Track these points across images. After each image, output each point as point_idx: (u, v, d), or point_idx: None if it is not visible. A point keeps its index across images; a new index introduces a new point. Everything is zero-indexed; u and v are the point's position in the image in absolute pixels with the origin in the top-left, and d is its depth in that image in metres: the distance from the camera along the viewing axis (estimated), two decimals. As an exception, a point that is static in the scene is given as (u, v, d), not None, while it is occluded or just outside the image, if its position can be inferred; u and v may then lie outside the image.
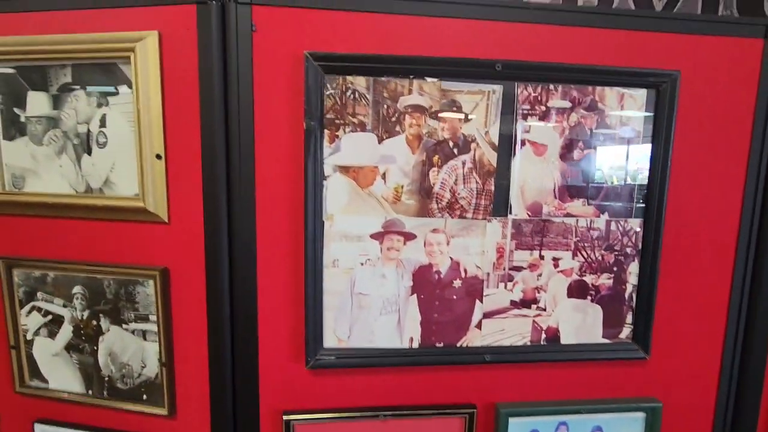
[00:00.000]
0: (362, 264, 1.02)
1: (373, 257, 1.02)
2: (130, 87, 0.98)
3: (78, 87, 1.01)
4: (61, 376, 1.14)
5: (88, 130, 1.02)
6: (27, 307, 1.13)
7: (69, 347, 1.12)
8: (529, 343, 1.08)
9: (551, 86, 1.00)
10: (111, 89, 0.99)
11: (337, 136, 0.98)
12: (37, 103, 1.04)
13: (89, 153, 1.03)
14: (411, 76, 0.95)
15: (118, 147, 1.01)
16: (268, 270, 1.02)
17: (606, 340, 1.10)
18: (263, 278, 1.02)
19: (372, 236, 1.02)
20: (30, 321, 1.13)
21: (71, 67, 1.01)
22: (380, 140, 0.99)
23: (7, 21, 1.02)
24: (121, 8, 0.97)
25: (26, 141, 1.06)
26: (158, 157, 0.99)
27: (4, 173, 1.08)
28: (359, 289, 1.03)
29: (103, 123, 1.01)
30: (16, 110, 1.05)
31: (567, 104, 1.01)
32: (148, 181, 0.99)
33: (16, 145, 1.07)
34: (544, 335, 1.09)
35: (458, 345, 1.07)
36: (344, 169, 0.99)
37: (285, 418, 1.05)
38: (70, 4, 0.99)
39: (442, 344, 1.07)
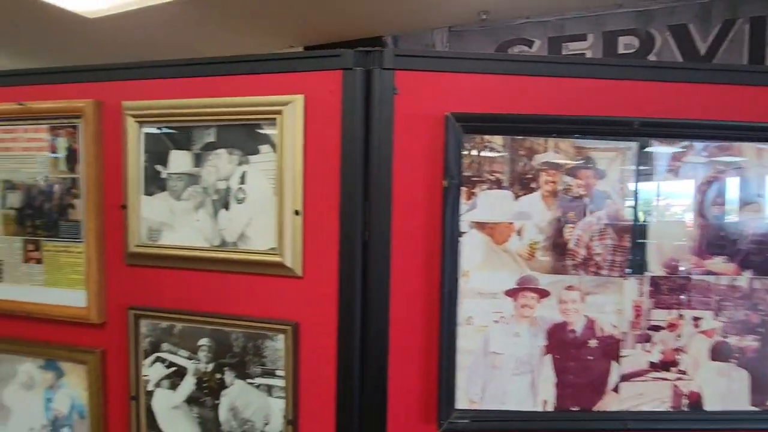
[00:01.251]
0: (496, 322, 1.00)
1: (507, 315, 1.00)
2: (272, 146, 1.03)
3: (221, 146, 1.07)
4: (180, 429, 1.13)
5: (228, 187, 1.07)
6: (151, 358, 1.14)
7: (190, 400, 1.12)
8: (670, 409, 1.02)
9: (688, 142, 1.00)
10: (253, 148, 1.05)
11: (474, 194, 0.99)
12: (180, 160, 1.10)
13: (227, 208, 1.07)
14: (551, 135, 0.97)
15: (255, 203, 1.05)
16: (400, 326, 1.01)
17: (754, 408, 1.02)
18: (396, 335, 1.00)
19: (506, 293, 1.00)
20: (152, 372, 1.14)
21: (216, 128, 1.07)
22: (516, 197, 0.99)
23: (157, 86, 1.11)
24: (268, 74, 1.04)
25: (165, 196, 1.12)
26: (297, 213, 1.02)
27: (141, 226, 1.13)
28: (493, 347, 1.00)
29: (242, 180, 1.05)
30: (158, 167, 1.12)
31: (704, 160, 1.00)
32: (286, 236, 1.02)
33: (156, 200, 1.12)
34: (685, 401, 1.02)
35: (594, 409, 1.02)
36: (480, 226, 0.99)
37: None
38: (220, 71, 1.06)
39: (577, 408, 1.01)
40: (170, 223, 1.11)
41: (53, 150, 1.19)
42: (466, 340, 1.00)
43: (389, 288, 0.99)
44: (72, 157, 1.17)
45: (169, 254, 1.10)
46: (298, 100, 1.00)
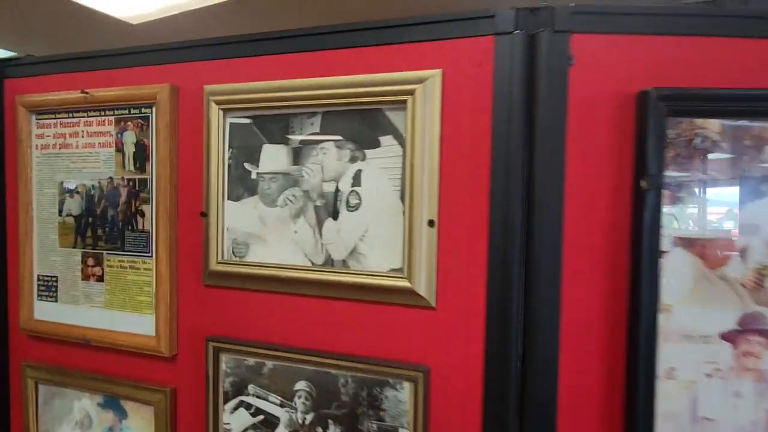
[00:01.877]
0: (708, 375, 0.74)
1: (724, 366, 0.73)
2: (397, 138, 0.80)
3: (327, 138, 0.85)
4: (268, 494, 0.91)
5: (337, 190, 0.85)
6: (233, 403, 0.93)
7: (282, 458, 0.91)
8: None
9: None
10: (371, 140, 0.83)
11: (679, 198, 0.73)
12: (274, 157, 0.89)
13: (335, 217, 0.85)
14: (797, 117, 0.71)
15: (373, 210, 0.82)
16: (572, 379, 0.75)
17: None
18: (566, 391, 0.75)
19: (723, 336, 0.73)
20: (235, 420, 0.93)
21: (321, 115, 0.86)
22: (739, 203, 0.73)
23: (245, 66, 0.90)
24: (393, 45, 0.81)
25: (255, 201, 0.91)
26: (431, 223, 0.78)
27: (224, 239, 0.92)
28: (703, 411, 0.74)
29: (356, 181, 0.83)
30: (247, 166, 0.91)
31: None
32: (416, 254, 0.78)
33: (243, 206, 0.92)
34: None
35: None
36: (688, 243, 0.73)
37: None
38: (326, 44, 0.85)
39: (824, 499, 0.74)
40: (261, 235, 0.90)
41: (120, 146, 1.00)
42: (666, 401, 0.73)
43: (558, 324, 0.74)
44: (141, 154, 0.98)
45: (259, 274, 0.89)
46: (434, 77, 0.77)
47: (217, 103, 0.89)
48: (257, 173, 0.89)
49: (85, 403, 1.07)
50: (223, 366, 0.93)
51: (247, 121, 0.89)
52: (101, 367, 1.04)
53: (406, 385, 0.80)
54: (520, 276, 0.74)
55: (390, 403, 0.82)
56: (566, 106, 0.73)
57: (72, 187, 1.04)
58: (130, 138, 0.99)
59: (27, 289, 1.09)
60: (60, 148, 1.05)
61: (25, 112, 1.07)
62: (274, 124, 0.87)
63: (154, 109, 0.95)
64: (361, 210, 0.82)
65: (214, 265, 0.91)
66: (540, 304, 0.74)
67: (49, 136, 1.06)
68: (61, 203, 1.05)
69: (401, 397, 0.81)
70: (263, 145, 0.88)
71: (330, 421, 0.85)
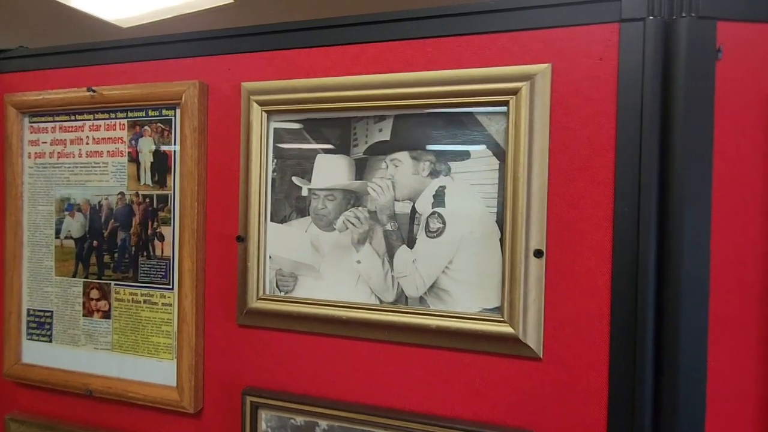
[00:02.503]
0: None
1: None
2: (492, 147, 0.66)
3: (401, 148, 0.70)
4: None
5: (413, 211, 0.69)
6: (275, 471, 0.76)
7: None
8: None
9: None
10: (458, 151, 0.68)
11: None
12: (331, 170, 0.73)
13: (410, 244, 0.69)
14: None
15: (461, 237, 0.67)
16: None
17: None
18: (714, 464, 0.61)
19: None
20: (277, 492, 0.76)
21: (392, 119, 0.71)
22: None
23: (294, 60, 0.75)
24: (485, 34, 0.67)
25: (306, 224, 0.75)
26: (538, 254, 0.64)
27: (266, 269, 0.76)
28: None
29: (439, 200, 0.68)
30: (295, 180, 0.75)
31: None
32: (519, 292, 0.63)
33: (290, 229, 0.75)
34: None
35: None
36: None
37: None
38: (397, 34, 0.70)
39: None
40: (313, 265, 0.74)
41: (134, 155, 0.83)
42: (841, 478, 0.60)
43: (705, 383, 0.60)
44: (161, 165, 0.81)
45: (311, 313, 0.72)
46: (543, 73, 0.62)
47: (260, 104, 0.73)
48: (309, 189, 0.73)
49: (84, 467, 0.88)
50: (263, 425, 0.76)
51: (297, 126, 0.74)
52: (106, 423, 0.86)
53: (505, 455, 0.65)
54: (654, 323, 0.60)
55: (483, 477, 0.66)
56: (712, 111, 0.59)
57: (73, 203, 0.87)
58: (147, 145, 0.82)
59: (13, 326, 0.90)
60: (59, 157, 0.88)
61: (16, 113, 0.89)
62: (330, 130, 0.72)
63: (178, 111, 0.79)
64: (445, 236, 0.67)
65: (253, 302, 0.74)
66: (678, 354, 0.60)
67: (45, 142, 0.89)
68: (59, 223, 0.88)
69: (498, 470, 0.65)
70: (317, 155, 0.73)
71: (402, 499, 0.69)
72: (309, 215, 0.73)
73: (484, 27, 0.66)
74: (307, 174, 0.73)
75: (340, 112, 0.71)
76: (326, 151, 0.72)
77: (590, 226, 0.62)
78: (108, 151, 0.84)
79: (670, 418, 0.59)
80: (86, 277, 0.86)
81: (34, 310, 0.90)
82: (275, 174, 0.74)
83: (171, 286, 0.80)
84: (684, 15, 0.59)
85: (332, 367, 0.72)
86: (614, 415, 0.61)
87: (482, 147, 0.65)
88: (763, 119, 0.59)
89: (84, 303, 0.86)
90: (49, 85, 0.88)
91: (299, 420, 0.74)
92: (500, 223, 0.64)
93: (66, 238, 0.87)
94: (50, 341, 0.89)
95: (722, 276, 0.59)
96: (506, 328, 0.63)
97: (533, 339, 0.63)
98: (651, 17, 0.59)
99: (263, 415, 0.75)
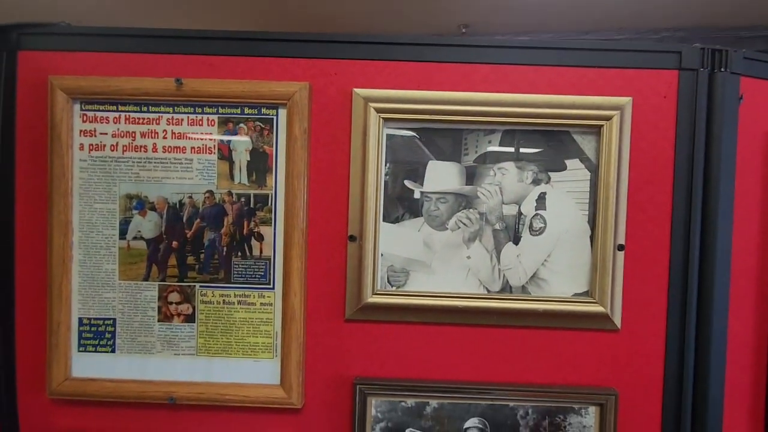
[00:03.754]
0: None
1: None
2: (584, 161, 0.79)
3: (507, 158, 0.80)
4: None
5: (519, 213, 0.80)
6: (385, 452, 0.81)
7: (446, 505, 0.82)
8: None
9: None
10: (557, 163, 0.80)
11: (809, 224, 0.86)
12: (443, 175, 0.80)
13: (516, 241, 0.80)
14: None
15: (559, 235, 0.79)
16: (735, 396, 0.83)
17: None
18: (731, 409, 0.82)
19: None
20: (386, 471, 0.81)
21: (501, 133, 0.80)
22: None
23: (406, 71, 0.79)
24: (578, 68, 0.79)
25: (418, 224, 0.80)
26: (620, 248, 0.79)
27: (378, 267, 0.80)
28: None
29: (541, 204, 0.79)
30: (408, 184, 0.80)
31: None
32: (607, 278, 0.78)
33: (402, 229, 0.80)
34: None
35: None
36: (814, 262, 0.87)
37: None
38: (503, 59, 0.79)
39: None
40: (425, 261, 0.80)
41: (225, 153, 0.80)
42: (800, 396, 0.86)
43: (725, 346, 0.82)
44: (260, 165, 0.79)
45: (423, 305, 0.79)
46: (628, 104, 0.78)
47: (378, 111, 0.77)
48: (422, 192, 0.80)
49: (159, 480, 0.83)
50: (372, 411, 0.81)
51: (410, 133, 0.79)
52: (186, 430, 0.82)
53: (592, 410, 0.80)
54: (696, 301, 0.80)
55: (574, 430, 0.80)
56: (736, 141, 0.81)
57: (144, 201, 0.80)
58: (242, 144, 0.79)
59: (62, 339, 0.80)
60: (124, 151, 0.80)
61: (66, 99, 0.78)
62: (443, 139, 0.79)
63: (281, 111, 0.79)
64: (546, 234, 0.79)
65: (368, 297, 0.78)
66: (712, 327, 0.81)
67: (104, 133, 0.80)
68: (125, 222, 0.80)
69: (586, 422, 0.80)
70: (429, 161, 0.79)
71: (506, 457, 0.81)
72: (422, 216, 0.80)
73: (576, 61, 0.79)
74: (419, 178, 0.80)
75: (453, 124, 0.79)
76: (439, 158, 0.79)
77: (655, 226, 0.80)
78: (193, 148, 0.79)
79: (703, 361, 0.80)
80: (162, 280, 0.80)
81: (89, 319, 0.81)
82: (387, 177, 0.79)
83: (271, 286, 0.80)
84: (722, 69, 0.80)
85: (441, 352, 0.81)
86: (669, 370, 0.81)
87: (576, 160, 0.79)
88: (763, 148, 0.83)
89: (160, 308, 0.81)
90: (103, 69, 0.80)
91: (410, 402, 0.80)
92: (591, 222, 0.79)
93: (135, 238, 0.80)
94: (112, 351, 0.81)
95: (739, 260, 0.82)
96: (597, 308, 0.78)
97: (616, 315, 0.79)
98: (701, 69, 0.79)
99: (373, 401, 0.81)
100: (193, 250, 0.81)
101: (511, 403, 0.80)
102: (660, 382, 0.81)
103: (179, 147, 0.80)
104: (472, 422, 0.81)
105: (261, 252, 0.80)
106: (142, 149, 0.80)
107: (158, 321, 0.81)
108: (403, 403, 0.81)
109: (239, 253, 0.80)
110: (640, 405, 0.81)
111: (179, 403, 0.80)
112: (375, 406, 0.81)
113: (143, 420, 0.82)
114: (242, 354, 0.81)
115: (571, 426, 0.80)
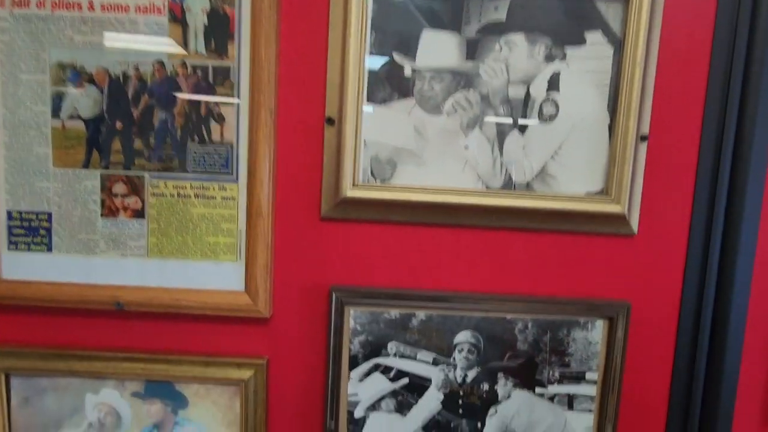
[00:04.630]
0: None
1: None
2: (607, 35, 0.66)
3: (516, 29, 0.67)
4: (411, 471, 0.74)
5: (528, 95, 0.68)
6: (364, 367, 0.72)
7: (431, 426, 0.73)
8: None
9: None
10: (574, 35, 0.67)
11: None
12: (440, 48, 0.67)
13: (521, 130, 0.68)
14: None
15: (573, 122, 0.68)
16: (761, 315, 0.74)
17: None
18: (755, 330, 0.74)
19: None
20: (365, 389, 0.72)
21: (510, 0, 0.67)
22: None
23: None
24: None
25: (408, 106, 0.68)
26: (643, 139, 0.68)
27: (360, 156, 0.69)
28: None
29: (553, 85, 0.67)
30: (396, 57, 0.67)
31: None
32: (624, 174, 0.67)
33: (390, 112, 0.68)
34: None
35: None
36: None
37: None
38: None
39: None
40: (416, 150, 0.69)
41: (178, 14, 0.66)
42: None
43: (752, 257, 0.72)
44: (220, 30, 0.66)
45: (411, 201, 0.68)
46: (663, -36, 0.65)
47: (362, -37, 0.64)
48: (413, 69, 0.67)
49: (108, 396, 0.73)
50: (351, 323, 0.71)
51: (401, -5, 0.66)
52: (144, 343, 0.72)
53: (599, 323, 0.71)
54: (726, 200, 0.70)
55: (579, 346, 0.71)
56: (785, 19, 0.69)
57: (80, 71, 0.67)
58: (198, 3, 0.66)
59: (-13, 234, 0.69)
60: (54, 8, 0.66)
61: (-22, -62, 0.64)
62: (440, 3, 0.66)
63: (245, -38, 0.65)
64: (557, 122, 0.68)
65: (348, 190, 0.67)
66: (740, 232, 0.71)
67: (28, -14, 0.66)
68: (59, 98, 0.67)
69: (592, 337, 0.71)
70: (423, 29, 0.66)
71: (500, 375, 0.72)
72: (413, 97, 0.67)
73: None
74: (410, 51, 0.67)
75: (453, -16, 0.66)
76: (433, 26, 0.66)
77: (684, 116, 0.69)
78: (138, 6, 0.65)
79: (728, 272, 0.71)
80: (105, 168, 0.68)
81: (19, 213, 0.69)
82: (375, 49, 0.66)
83: (234, 177, 0.68)
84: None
85: (431, 257, 0.70)
86: (688, 281, 0.71)
87: (598, 33, 0.66)
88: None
89: (103, 201, 0.69)
90: None
91: (394, 313, 0.71)
92: (610, 109, 0.67)
93: (71, 117, 0.67)
94: (49, 250, 0.70)
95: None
96: (613, 207, 0.68)
97: (634, 216, 0.69)
98: (752, -76, 0.66)
99: (351, 312, 0.71)
100: (141, 133, 0.68)
101: (509, 316, 0.71)
102: (677, 295, 0.71)
103: (121, 5, 0.66)
104: (464, 336, 0.72)
105: (222, 136, 0.68)
106: (76, 7, 0.66)
107: (102, 216, 0.70)
108: (385, 315, 0.71)
109: (196, 137, 0.68)
110: (654, 320, 0.72)
111: (128, 310, 0.70)
112: (354, 317, 0.71)
113: (88, 329, 0.71)
114: (201, 256, 0.70)
115: (575, 342, 0.72)
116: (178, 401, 0.73)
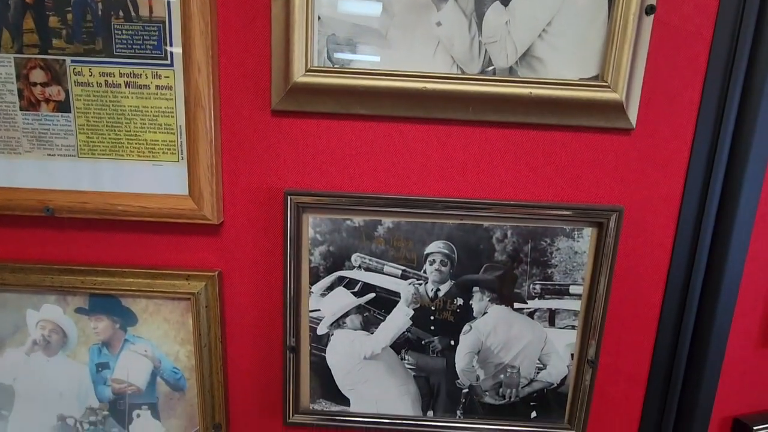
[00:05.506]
0: None
1: None
2: None
3: None
4: (377, 391, 0.70)
5: (512, -43, 0.57)
6: (326, 281, 0.66)
7: (400, 345, 0.68)
8: None
9: None
10: None
11: None
12: None
13: (504, 2, 0.58)
14: None
15: (565, -8, 0.58)
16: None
17: None
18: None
19: None
20: (328, 304, 0.66)
21: None
22: None
23: None
24: None
25: (370, -27, 0.58)
26: (649, 11, 0.57)
27: (314, 34, 0.59)
28: None
29: (544, -57, 0.56)
30: None
31: None
32: (624, 55, 0.56)
33: None
34: None
35: None
36: None
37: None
38: None
39: None
40: (379, 28, 0.59)
41: None
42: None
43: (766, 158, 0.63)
44: None
45: (374, 88, 0.58)
46: None
47: None
48: (375, -77, 0.56)
49: (50, 312, 0.68)
50: (310, 232, 0.64)
51: None
52: (77, 255, 0.66)
53: (587, 231, 0.64)
54: (738, 97, 0.61)
55: (563, 256, 0.64)
56: None
57: (-23, -69, 0.56)
58: None
59: None
60: None
61: None
62: None
63: None
64: (547, -9, 0.57)
65: (299, 75, 0.57)
66: (754, 130, 0.62)
67: None
68: (-45, -36, 0.57)
69: (579, 247, 0.64)
70: None
71: (475, 289, 0.66)
72: (375, -40, 0.57)
73: None
74: None
75: None
76: None
77: (699, -17, 0.58)
78: None
79: (736, 174, 0.63)
80: (19, 51, 0.59)
81: (-73, 106, 0.61)
82: None
83: (169, 61, 0.59)
84: None
85: (399, 157, 0.62)
86: (691, 184, 0.63)
87: None
88: None
89: (21, 91, 0.60)
90: None
91: (358, 220, 0.64)
92: (613, -27, 0.57)
93: (-28, -11, 0.58)
94: (-32, 150, 0.62)
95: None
96: (609, 94, 0.58)
97: (633, 107, 0.59)
98: None
99: (310, 219, 0.64)
100: (56, 8, 0.58)
101: (486, 223, 0.63)
102: (678, 200, 0.64)
103: None
104: (436, 246, 0.65)
105: (150, 11, 0.57)
106: None
107: (21, 109, 0.61)
108: (348, 222, 0.64)
109: (120, 13, 0.58)
110: (648, 228, 0.64)
111: (60, 217, 0.63)
112: (313, 225, 0.64)
113: (17, 239, 0.65)
114: (137, 156, 0.62)
115: (559, 252, 0.64)
116: (126, 318, 0.68)
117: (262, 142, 0.62)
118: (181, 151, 0.61)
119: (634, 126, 0.60)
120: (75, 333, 0.69)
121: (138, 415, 0.71)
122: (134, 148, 0.62)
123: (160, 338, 0.68)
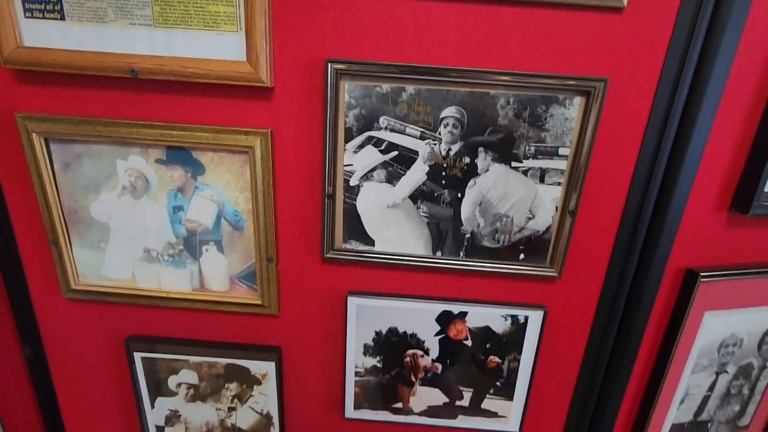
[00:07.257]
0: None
1: None
2: None
3: None
4: (398, 233, 0.86)
5: None
6: (358, 140, 0.80)
7: (417, 196, 0.84)
8: None
9: None
10: None
11: None
12: None
13: None
14: None
15: None
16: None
17: None
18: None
19: None
20: (359, 160, 0.81)
21: None
22: None
23: None
24: None
25: None
26: None
27: None
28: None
29: None
30: None
31: None
32: (623, -63, 0.66)
33: None
34: None
35: None
36: None
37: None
38: None
39: None
40: None
41: None
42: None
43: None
44: None
45: (404, -31, 0.69)
46: None
47: None
48: None
49: (135, 162, 0.84)
50: (346, 96, 0.77)
51: None
52: (156, 113, 0.80)
53: (577, 100, 0.76)
54: None
55: (555, 122, 0.77)
56: None
57: None
58: None
59: (4, 4, 0.73)
60: None
61: None
62: None
63: None
64: None
65: (341, -47, 0.68)
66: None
67: None
68: None
69: (569, 114, 0.77)
70: None
71: (480, 149, 0.80)
72: None
73: None
74: None
75: None
76: None
77: None
78: None
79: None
80: (103, -71, 0.70)
81: (29, -22, 0.73)
82: None
83: (229, -61, 0.69)
84: None
85: (422, 33, 0.73)
86: (670, 60, 0.74)
87: None
88: None
89: (105, -35, 0.71)
90: None
91: (386, 87, 0.76)
92: None
93: None
94: (62, 18, 0.74)
95: None
96: (605, -25, 0.68)
97: (625, -13, 0.69)
98: None
99: (345, 85, 0.77)
100: None
101: (492, 91, 0.76)
102: (657, 74, 0.75)
103: None
104: (450, 111, 0.78)
105: None
106: None
107: (107, -18, 0.73)
108: (377, 88, 0.77)
109: None
110: (630, 99, 0.76)
111: (142, 78, 0.76)
112: (348, 90, 0.77)
113: (108, 99, 0.79)
114: (203, 25, 0.74)
115: (552, 117, 0.77)
116: (196, 168, 0.84)
117: (307, 18, 0.73)
118: (240, 22, 0.73)
119: (625, 5, 0.70)
120: (155, 180, 0.85)
121: (206, 250, 0.90)
122: (200, 19, 0.73)
123: (224, 186, 0.85)
